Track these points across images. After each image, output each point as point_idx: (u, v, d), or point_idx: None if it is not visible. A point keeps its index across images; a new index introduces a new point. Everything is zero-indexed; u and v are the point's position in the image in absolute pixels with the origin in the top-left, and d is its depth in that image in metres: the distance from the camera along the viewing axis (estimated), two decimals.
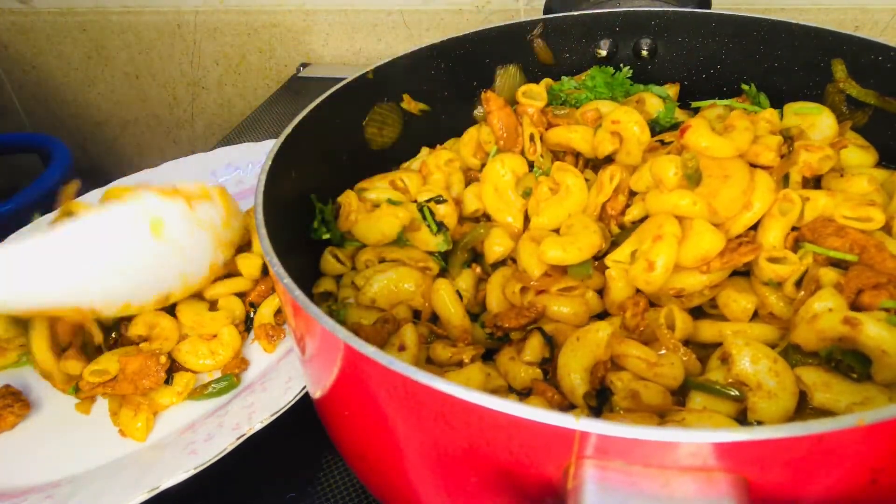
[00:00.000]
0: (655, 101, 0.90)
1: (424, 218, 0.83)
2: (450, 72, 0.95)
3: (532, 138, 0.88)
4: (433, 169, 0.90)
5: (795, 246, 0.70)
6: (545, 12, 1.35)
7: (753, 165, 0.73)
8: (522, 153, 0.88)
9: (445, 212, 0.84)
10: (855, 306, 0.64)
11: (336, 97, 0.84)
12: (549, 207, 0.80)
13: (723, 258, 0.68)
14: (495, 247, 0.80)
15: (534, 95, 0.91)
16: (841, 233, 0.68)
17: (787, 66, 0.91)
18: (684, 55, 0.98)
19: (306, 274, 0.83)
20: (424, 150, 0.98)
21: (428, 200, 0.84)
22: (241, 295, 1.00)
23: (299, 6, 1.92)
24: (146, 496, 0.74)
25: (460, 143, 0.94)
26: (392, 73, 0.90)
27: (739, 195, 0.69)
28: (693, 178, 0.70)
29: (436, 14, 1.82)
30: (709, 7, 1.28)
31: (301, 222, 0.82)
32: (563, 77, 0.98)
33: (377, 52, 1.93)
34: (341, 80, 0.85)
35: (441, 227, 0.82)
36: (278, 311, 0.97)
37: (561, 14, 0.99)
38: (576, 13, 0.98)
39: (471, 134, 0.94)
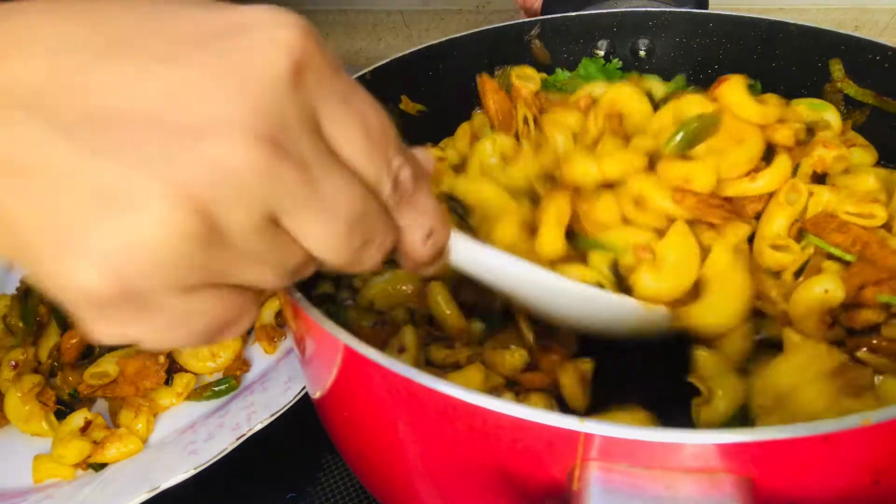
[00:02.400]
0: (656, 84, 0.90)
1: None
2: (448, 72, 0.95)
3: (526, 120, 0.88)
4: None
5: (799, 237, 0.70)
6: (543, 13, 1.35)
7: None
8: (517, 137, 0.88)
9: None
10: (856, 301, 0.64)
11: None
12: None
13: (697, 201, 0.68)
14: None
15: (527, 77, 0.92)
16: (844, 228, 0.67)
17: (786, 66, 0.91)
18: (682, 55, 0.98)
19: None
20: None
21: None
22: None
23: (299, 6, 1.91)
24: (146, 496, 0.74)
25: (455, 137, 0.94)
26: (390, 74, 0.90)
27: (745, 161, 0.69)
28: (689, 143, 0.69)
29: (436, 14, 1.82)
30: (706, 7, 1.29)
31: None
32: (556, 69, 0.98)
33: (377, 52, 1.93)
34: None
35: None
36: (279, 313, 0.97)
37: (559, 15, 0.99)
38: (573, 14, 0.99)
39: (464, 128, 0.94)
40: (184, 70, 0.32)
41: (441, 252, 0.49)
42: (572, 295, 0.64)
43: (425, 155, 0.46)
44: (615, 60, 0.98)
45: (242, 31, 0.33)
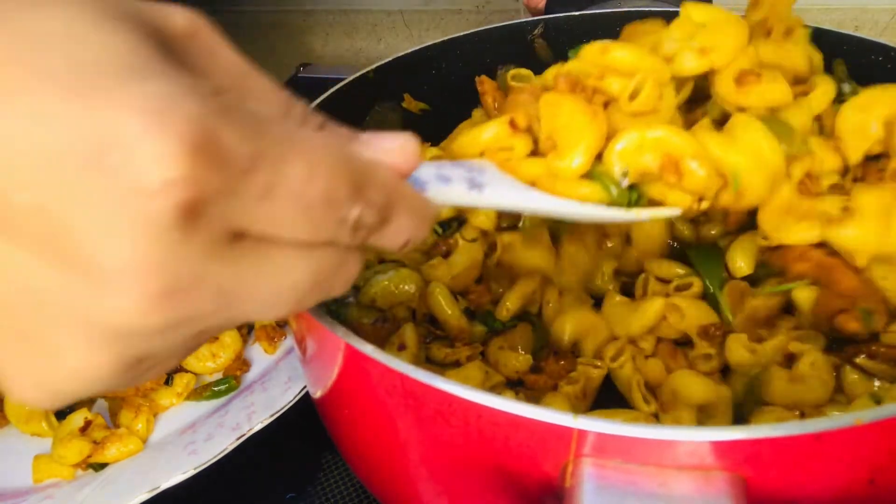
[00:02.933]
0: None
1: None
2: (450, 72, 0.96)
3: None
4: None
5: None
6: (546, 12, 1.35)
7: None
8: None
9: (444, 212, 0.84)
10: (833, 328, 0.64)
11: (336, 97, 0.83)
12: None
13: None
14: None
15: (522, 78, 0.92)
16: (805, 256, 0.65)
17: None
18: None
19: None
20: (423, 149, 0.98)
21: None
22: None
23: (299, 6, 1.92)
24: (146, 496, 0.74)
25: (455, 132, 0.94)
26: (393, 72, 0.90)
27: None
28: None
29: (436, 14, 1.83)
30: None
31: None
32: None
33: (377, 52, 1.94)
34: (341, 80, 0.85)
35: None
36: None
37: (562, 14, 0.99)
38: (577, 13, 0.98)
39: (461, 128, 0.94)
40: (69, 203, 0.27)
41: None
42: (586, 214, 0.58)
43: (405, 147, 0.39)
44: None
45: (119, 161, 0.27)
